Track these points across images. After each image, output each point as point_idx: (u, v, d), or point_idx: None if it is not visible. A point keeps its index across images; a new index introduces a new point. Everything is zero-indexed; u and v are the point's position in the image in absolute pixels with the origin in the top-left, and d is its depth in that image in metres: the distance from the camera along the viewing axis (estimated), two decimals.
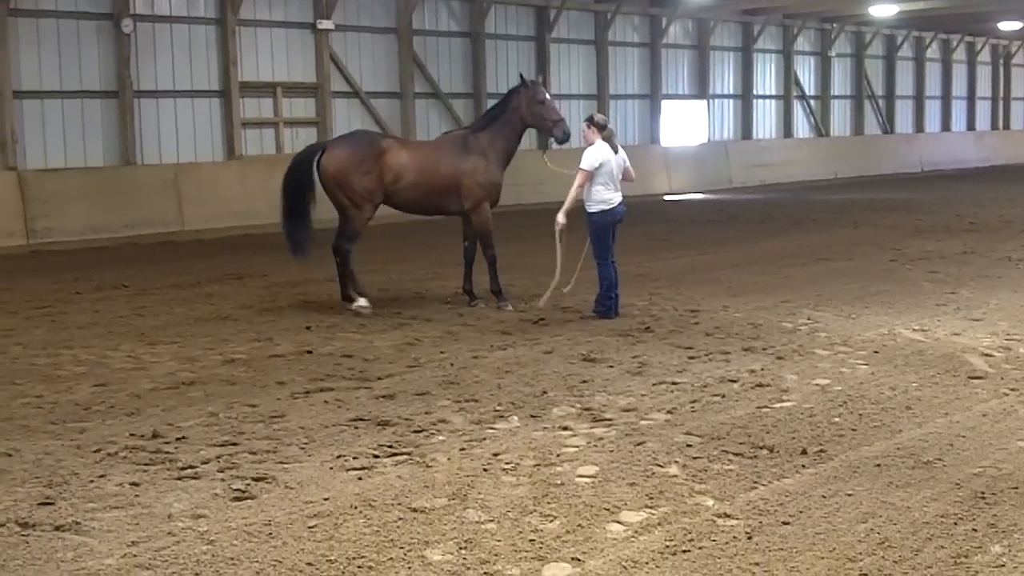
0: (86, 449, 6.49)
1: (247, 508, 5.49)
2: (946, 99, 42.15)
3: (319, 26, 22.13)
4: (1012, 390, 7.64)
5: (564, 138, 11.01)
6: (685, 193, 28.49)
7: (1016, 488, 5.62)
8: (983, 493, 5.56)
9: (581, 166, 10.57)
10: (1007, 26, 37.24)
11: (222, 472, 6.04)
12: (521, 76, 11.37)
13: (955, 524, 5.17)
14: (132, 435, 6.78)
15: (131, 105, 19.45)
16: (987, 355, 8.74)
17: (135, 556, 4.89)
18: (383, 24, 23.60)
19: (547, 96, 11.01)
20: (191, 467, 6.13)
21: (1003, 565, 4.71)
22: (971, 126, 43.76)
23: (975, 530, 5.09)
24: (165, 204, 19.39)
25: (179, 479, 5.94)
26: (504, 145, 11.17)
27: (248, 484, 5.83)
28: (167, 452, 6.42)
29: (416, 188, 11.19)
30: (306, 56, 22.20)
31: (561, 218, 10.65)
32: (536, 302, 11.16)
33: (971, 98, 43.64)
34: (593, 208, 10.61)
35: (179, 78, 20.34)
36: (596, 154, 10.56)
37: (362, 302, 11.03)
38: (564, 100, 27.60)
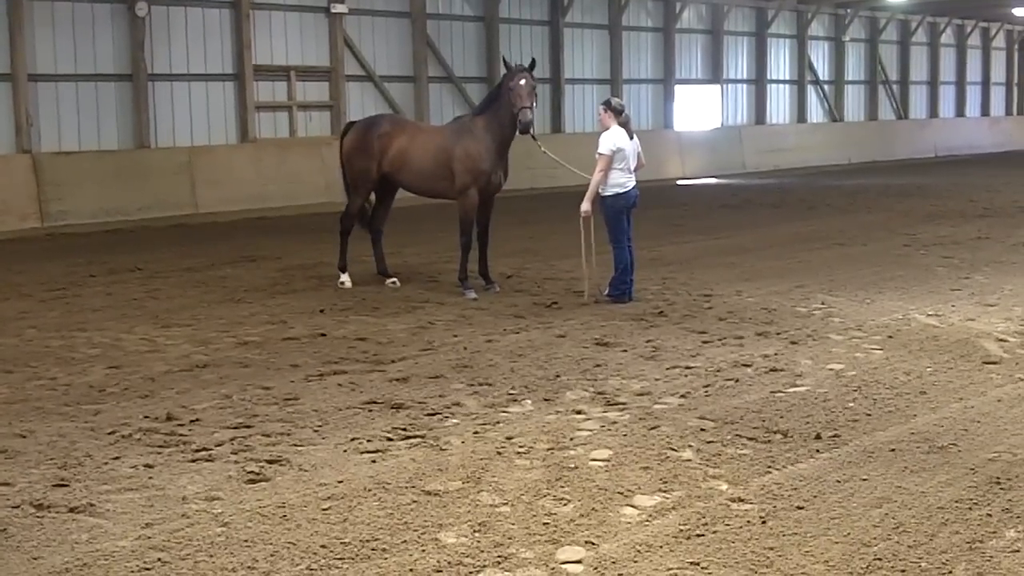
0: (100, 431, 6.51)
1: (261, 490, 5.50)
2: (960, 84, 41.94)
3: (333, 10, 22.12)
4: None
5: (521, 128, 10.78)
6: (698, 178, 28.41)
7: None
8: (998, 478, 5.54)
9: (600, 151, 10.55)
10: (1022, 11, 36.95)
11: (236, 454, 6.06)
12: (504, 59, 11.30)
13: (970, 509, 5.15)
14: (146, 417, 6.80)
15: (145, 88, 19.49)
16: (1001, 340, 8.71)
17: (149, 538, 4.90)
18: (397, 8, 23.57)
19: (520, 82, 10.79)
20: (205, 449, 6.14)
21: (1018, 550, 4.69)
22: (985, 111, 43.53)
23: (990, 515, 5.07)
24: (179, 187, 19.44)
25: (193, 461, 5.95)
26: (498, 129, 11.10)
27: (262, 466, 5.84)
28: (181, 434, 6.44)
29: (413, 171, 11.47)
30: (320, 40, 22.20)
31: (586, 206, 10.59)
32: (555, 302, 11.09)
33: (985, 83, 43.42)
34: (608, 192, 10.62)
35: (193, 62, 20.37)
36: (613, 138, 10.54)
37: (343, 278, 11.70)
38: (578, 85, 27.59)
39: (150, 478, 5.69)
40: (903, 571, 4.52)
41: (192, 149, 20.10)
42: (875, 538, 4.83)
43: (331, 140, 20.15)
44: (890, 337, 8.90)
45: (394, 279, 11.76)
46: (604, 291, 10.73)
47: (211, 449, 6.15)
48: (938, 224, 16.99)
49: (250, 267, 13.26)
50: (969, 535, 4.85)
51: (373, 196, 11.93)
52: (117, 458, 6.00)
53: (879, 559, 4.62)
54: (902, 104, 39.00)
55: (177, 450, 6.14)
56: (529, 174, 21.41)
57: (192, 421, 6.71)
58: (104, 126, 19.28)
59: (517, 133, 10.97)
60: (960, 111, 42.10)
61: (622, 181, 10.60)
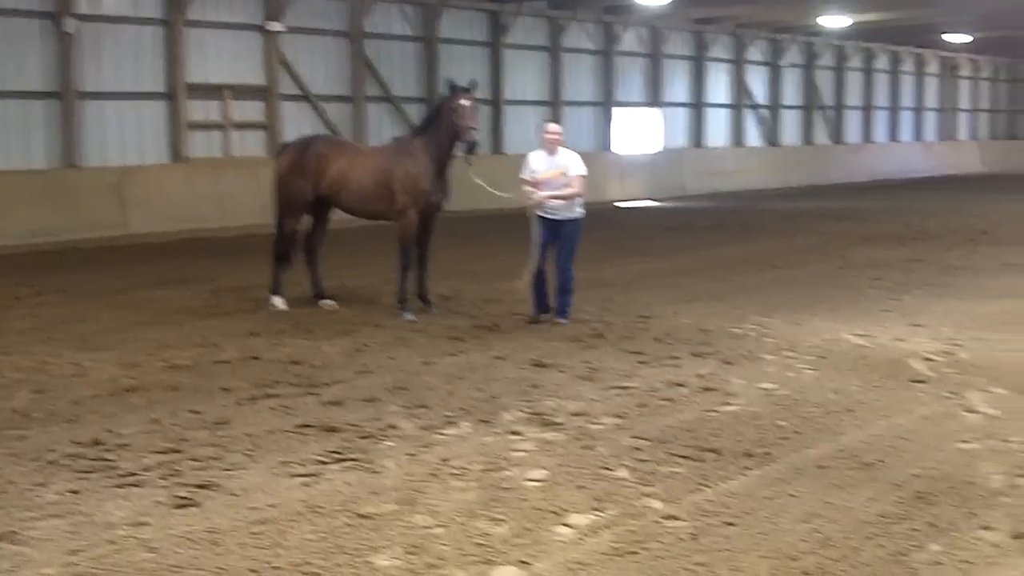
0: (24, 457, 6.37)
1: (190, 515, 5.43)
2: (894, 110, 42.84)
3: (269, 28, 21.98)
4: (952, 394, 7.77)
5: (467, 148, 10.72)
6: (638, 200, 28.64)
7: (954, 488, 5.72)
8: (922, 493, 5.64)
9: (583, 172, 10.40)
10: (954, 39, 37.89)
11: (165, 479, 5.97)
12: (451, 82, 11.24)
13: (895, 524, 5.24)
14: (72, 442, 6.67)
15: (74, 106, 19.18)
16: (929, 360, 8.86)
17: (75, 565, 4.82)
18: (335, 27, 23.50)
19: (463, 103, 10.74)
20: (133, 474, 6.04)
21: (941, 563, 4.78)
22: (918, 136, 44.48)
23: (914, 529, 5.16)
24: (109, 207, 19.11)
25: (120, 487, 5.85)
26: (436, 151, 11.05)
27: (191, 491, 5.76)
28: (108, 459, 6.33)
29: (352, 193, 11.40)
30: (255, 58, 22.03)
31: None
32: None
33: (919, 109, 44.39)
34: (580, 213, 10.52)
35: (124, 79, 20.07)
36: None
37: (275, 300, 11.53)
38: (518, 106, 27.71)
39: (76, 504, 5.58)
40: None
41: (123, 169, 19.78)
42: (803, 552, 4.90)
43: (266, 160, 19.99)
44: (821, 357, 9.02)
45: (330, 301, 11.66)
46: (557, 316, 10.59)
47: (139, 474, 6.05)
48: (871, 247, 17.27)
49: (181, 289, 13.07)
50: (894, 548, 4.93)
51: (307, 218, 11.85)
52: (42, 484, 5.88)
53: (807, 573, 4.68)
54: (837, 129, 39.72)
55: (104, 475, 6.04)
56: (470, 195, 21.37)
57: (120, 446, 6.60)
58: (32, 145, 18.88)
59: (460, 153, 10.91)
60: (894, 136, 42.98)
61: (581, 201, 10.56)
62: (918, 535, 5.09)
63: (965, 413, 7.25)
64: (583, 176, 10.41)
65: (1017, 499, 5.54)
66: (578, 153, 10.72)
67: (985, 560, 4.80)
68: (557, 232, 10.48)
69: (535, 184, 10.43)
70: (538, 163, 10.53)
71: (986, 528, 5.15)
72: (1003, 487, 5.73)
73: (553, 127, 10.69)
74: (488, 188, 11.18)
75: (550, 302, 10.75)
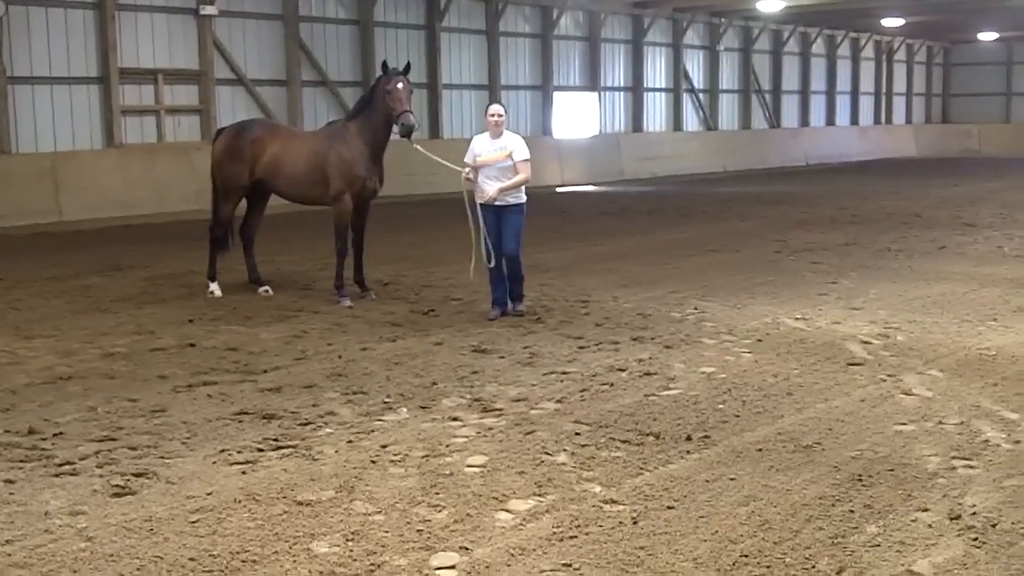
0: None
1: (127, 504, 5.36)
2: (830, 94, 43.41)
3: (202, 11, 21.65)
4: (889, 376, 7.88)
5: (403, 131, 10.58)
6: (577, 185, 28.72)
7: (891, 470, 5.80)
8: (860, 475, 5.72)
9: (527, 156, 10.07)
10: (890, 22, 38.44)
11: (101, 468, 5.89)
12: (384, 63, 11.10)
13: (833, 506, 5.30)
14: (7, 431, 6.55)
15: (5, 92, 18.75)
16: (866, 343, 9.00)
17: (9, 555, 4.74)
18: (268, 10, 23.22)
19: (398, 86, 10.64)
20: (69, 463, 5.95)
21: (878, 544, 4.85)
22: (855, 120, 45.13)
23: (852, 511, 5.23)
24: (42, 194, 18.76)
25: (56, 476, 5.77)
26: (372, 134, 10.94)
27: (128, 480, 5.69)
28: (44, 448, 6.23)
29: (286, 177, 11.31)
30: (188, 42, 21.71)
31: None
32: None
33: (855, 93, 45.02)
34: (524, 198, 10.28)
35: (56, 64, 19.68)
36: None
37: (212, 287, 11.48)
38: (455, 90, 27.60)
39: (11, 494, 5.49)
40: (768, 567, 4.63)
41: (55, 155, 19.41)
42: (742, 535, 4.94)
43: (201, 145, 19.73)
44: (760, 341, 9.12)
45: (267, 287, 11.55)
46: (514, 307, 10.33)
47: (75, 463, 5.96)
48: (808, 230, 17.49)
49: (116, 276, 12.87)
50: (832, 531, 5.00)
51: (244, 202, 11.72)
52: None
53: (745, 555, 4.73)
54: (774, 113, 40.16)
55: (39, 464, 5.94)
56: (407, 180, 21.32)
57: (55, 434, 6.50)
58: None
59: (398, 136, 10.83)
60: (830, 120, 43.56)
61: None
62: (856, 517, 5.15)
63: (902, 395, 7.36)
64: (528, 160, 10.13)
65: (953, 480, 5.64)
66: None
67: (922, 541, 4.87)
68: (501, 218, 10.20)
69: (476, 168, 10.13)
70: (481, 146, 10.18)
71: (923, 510, 5.23)
72: (939, 469, 5.82)
73: (495, 108, 10.24)
74: (431, 155, 11.06)
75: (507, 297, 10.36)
